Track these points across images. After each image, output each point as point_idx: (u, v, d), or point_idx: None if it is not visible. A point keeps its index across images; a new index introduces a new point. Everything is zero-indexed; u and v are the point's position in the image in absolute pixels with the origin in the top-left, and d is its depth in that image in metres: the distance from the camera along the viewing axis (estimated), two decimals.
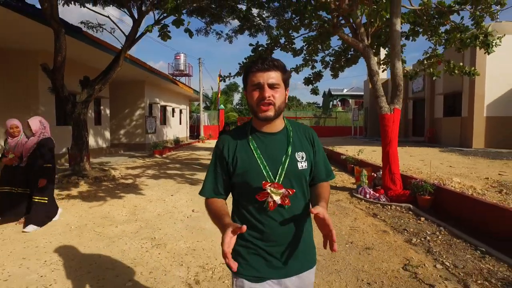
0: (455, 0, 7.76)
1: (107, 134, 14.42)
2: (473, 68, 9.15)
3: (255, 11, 10.31)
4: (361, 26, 7.01)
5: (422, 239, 4.13)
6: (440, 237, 4.17)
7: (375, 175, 7.24)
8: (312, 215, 1.23)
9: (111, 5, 9.36)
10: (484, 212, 4.42)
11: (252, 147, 1.37)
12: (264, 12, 10.46)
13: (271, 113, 1.31)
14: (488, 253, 3.59)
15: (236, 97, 49.73)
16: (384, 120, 6.46)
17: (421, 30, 8.71)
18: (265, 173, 1.32)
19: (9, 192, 4.60)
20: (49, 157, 4.66)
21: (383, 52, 12.39)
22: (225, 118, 29.51)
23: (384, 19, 7.42)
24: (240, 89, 48.30)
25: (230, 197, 1.46)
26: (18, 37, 7.93)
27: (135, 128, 16.47)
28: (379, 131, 7.46)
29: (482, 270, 3.20)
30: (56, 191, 6.70)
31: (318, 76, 11.27)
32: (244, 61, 10.43)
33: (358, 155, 9.77)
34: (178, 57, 30.39)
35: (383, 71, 11.35)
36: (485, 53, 8.26)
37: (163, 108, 19.83)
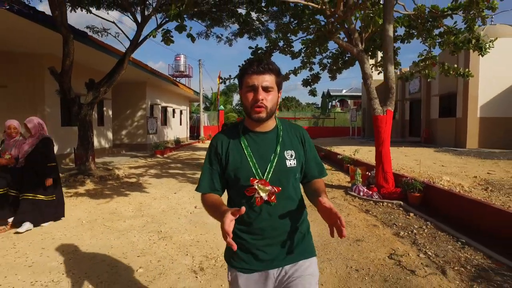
0: (448, 5, 8.06)
1: (110, 134, 14.73)
2: (467, 69, 9.51)
3: (254, 15, 10.63)
4: (355, 31, 7.33)
5: (409, 232, 4.45)
6: (426, 231, 4.49)
7: (369, 174, 7.55)
8: (310, 210, 1.38)
9: (114, 9, 9.70)
10: (469, 208, 4.75)
11: (243, 145, 1.44)
12: (263, 16, 10.81)
13: (263, 114, 1.38)
14: (468, 244, 3.91)
15: (236, 98, 50.04)
16: (377, 121, 6.78)
17: (415, 33, 9.04)
18: (254, 170, 1.39)
19: (4, 194, 4.53)
20: (53, 156, 4.71)
21: (379, 55, 12.72)
22: (225, 118, 29.82)
23: (378, 24, 7.74)
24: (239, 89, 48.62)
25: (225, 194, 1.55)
26: (26, 41, 8.24)
27: (137, 129, 16.79)
28: None
29: (460, 258, 3.52)
30: (64, 189, 7.01)
31: (316, 78, 11.59)
32: (244, 63, 10.72)
33: (354, 155, 10.10)
34: (178, 59, 30.76)
35: (378, 74, 11.68)
36: (479, 55, 8.59)
37: (164, 109, 20.14)
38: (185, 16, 8.45)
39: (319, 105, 53.40)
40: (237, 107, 46.90)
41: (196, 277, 3.18)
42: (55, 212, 4.80)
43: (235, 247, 1.16)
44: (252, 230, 1.42)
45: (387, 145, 6.72)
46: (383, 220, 5.03)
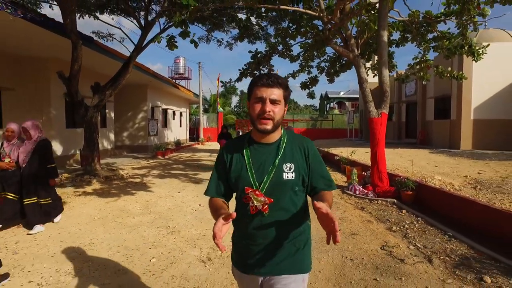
0: (442, 11, 8.40)
1: (112, 136, 15.01)
2: (460, 72, 9.89)
3: (253, 20, 10.96)
4: (352, 37, 7.67)
5: (401, 227, 4.77)
6: (416, 226, 4.81)
7: (365, 173, 7.87)
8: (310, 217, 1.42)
9: (118, 14, 10.02)
10: (457, 204, 5.07)
11: (245, 155, 1.50)
12: (263, 21, 11.14)
13: (269, 126, 1.43)
14: (455, 237, 4.24)
15: (234, 100, 50.45)
16: (372, 123, 7.11)
17: (410, 37, 9.39)
18: (252, 180, 1.46)
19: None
20: (52, 158, 4.74)
21: (376, 58, 13.08)
22: (223, 120, 30.14)
23: (373, 30, 8.08)
24: (238, 91, 49.12)
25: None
26: (35, 46, 8.52)
27: (138, 131, 17.08)
28: None
29: (446, 249, 3.84)
30: (71, 189, 7.34)
31: (314, 80, 11.94)
32: (244, 67, 11.03)
33: (350, 156, 10.42)
34: (178, 61, 31.13)
35: (373, 76, 12.05)
36: (472, 60, 8.95)
37: (164, 111, 20.44)
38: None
39: (317, 107, 53.84)
40: (235, 109, 47.30)
41: (205, 266, 3.48)
42: (56, 206, 4.83)
43: (222, 249, 1.21)
44: (246, 235, 1.51)
45: (382, 146, 7.04)
46: (377, 216, 5.35)
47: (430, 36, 9.38)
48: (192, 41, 7.54)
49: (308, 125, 33.16)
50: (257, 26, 11.48)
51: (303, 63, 11.64)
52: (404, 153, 12.76)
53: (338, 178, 9.05)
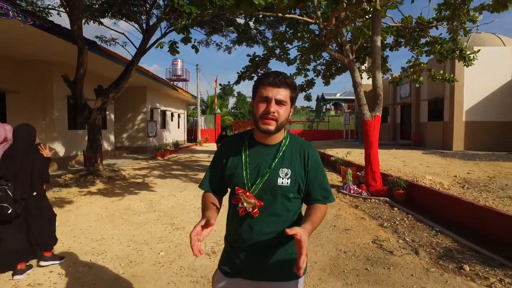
0: (433, 16, 8.75)
1: (112, 137, 15.25)
2: (452, 75, 10.27)
3: (252, 24, 11.27)
4: (346, 43, 7.99)
5: (392, 223, 5.09)
6: (406, 222, 5.13)
7: (359, 174, 8.20)
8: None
9: (119, 19, 10.30)
10: (445, 202, 5.40)
11: (243, 154, 1.44)
12: (261, 25, 11.46)
13: (272, 127, 1.36)
14: (441, 232, 4.56)
15: (231, 101, 50.72)
16: (366, 125, 7.44)
17: (403, 41, 9.75)
18: (245, 180, 1.40)
19: None
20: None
21: (370, 60, 13.44)
22: (220, 122, 30.42)
23: (367, 36, 8.41)
24: (235, 93, 49.39)
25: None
26: (39, 50, 8.78)
27: (137, 132, 17.33)
28: None
29: (432, 242, 4.16)
30: (76, 189, 7.60)
31: (310, 83, 12.27)
32: (242, 70, 11.32)
33: (346, 156, 10.75)
34: (176, 63, 31.40)
35: (368, 78, 12.40)
36: (464, 65, 9.32)
37: (163, 113, 20.70)
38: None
39: (314, 109, 54.24)
40: (232, 110, 47.58)
41: (210, 258, 3.77)
42: None
43: (195, 253, 1.17)
44: (235, 237, 1.46)
45: (375, 147, 7.37)
46: (370, 214, 5.67)
47: (423, 40, 9.74)
48: (194, 47, 7.84)
49: (304, 127, 33.52)
50: (255, 30, 11.80)
51: (300, 66, 11.99)
52: (398, 154, 13.11)
53: (333, 178, 9.37)
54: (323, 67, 12.17)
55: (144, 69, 13.73)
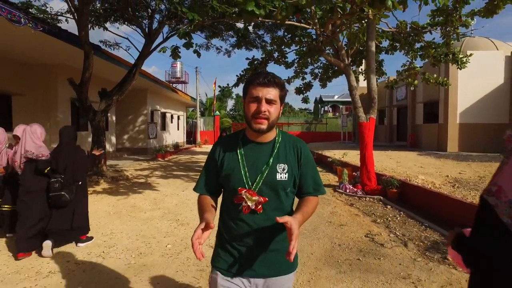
0: (427, 22, 9.06)
1: (113, 139, 15.52)
2: (445, 78, 10.61)
3: (251, 28, 11.58)
4: (343, 48, 8.31)
5: (385, 219, 5.39)
6: (398, 218, 5.43)
7: (355, 174, 8.49)
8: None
9: (122, 23, 10.58)
10: (436, 200, 5.70)
11: (239, 153, 1.47)
12: (259, 30, 11.78)
13: (264, 126, 1.40)
14: (430, 227, 4.86)
15: (230, 103, 51.08)
16: (361, 127, 7.74)
17: (398, 46, 10.07)
18: (244, 180, 1.43)
19: None
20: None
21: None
22: (219, 124, 30.71)
23: (362, 41, 8.73)
24: (234, 95, 49.77)
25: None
26: (45, 54, 9.07)
27: (138, 134, 17.60)
28: None
29: (421, 236, 4.46)
30: None
31: (308, 86, 12.58)
32: (241, 73, 11.63)
33: (342, 157, 11.05)
34: (175, 65, 31.70)
35: (364, 80, 12.72)
36: (457, 68, 9.66)
37: (163, 115, 20.99)
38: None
39: (312, 111, 54.57)
40: (231, 112, 47.91)
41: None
42: None
43: (199, 257, 1.21)
44: (237, 235, 1.47)
45: (370, 149, 7.67)
46: (364, 211, 5.96)
47: (417, 45, 10.07)
48: (195, 51, 8.14)
49: (302, 128, 33.88)
50: (254, 35, 12.11)
51: (298, 70, 12.31)
52: (394, 155, 13.43)
53: (330, 178, 9.67)
54: (320, 70, 12.49)
55: (145, 72, 14.01)
